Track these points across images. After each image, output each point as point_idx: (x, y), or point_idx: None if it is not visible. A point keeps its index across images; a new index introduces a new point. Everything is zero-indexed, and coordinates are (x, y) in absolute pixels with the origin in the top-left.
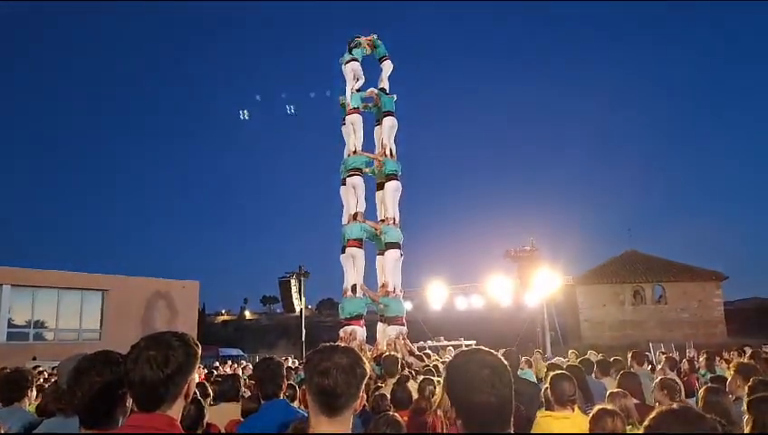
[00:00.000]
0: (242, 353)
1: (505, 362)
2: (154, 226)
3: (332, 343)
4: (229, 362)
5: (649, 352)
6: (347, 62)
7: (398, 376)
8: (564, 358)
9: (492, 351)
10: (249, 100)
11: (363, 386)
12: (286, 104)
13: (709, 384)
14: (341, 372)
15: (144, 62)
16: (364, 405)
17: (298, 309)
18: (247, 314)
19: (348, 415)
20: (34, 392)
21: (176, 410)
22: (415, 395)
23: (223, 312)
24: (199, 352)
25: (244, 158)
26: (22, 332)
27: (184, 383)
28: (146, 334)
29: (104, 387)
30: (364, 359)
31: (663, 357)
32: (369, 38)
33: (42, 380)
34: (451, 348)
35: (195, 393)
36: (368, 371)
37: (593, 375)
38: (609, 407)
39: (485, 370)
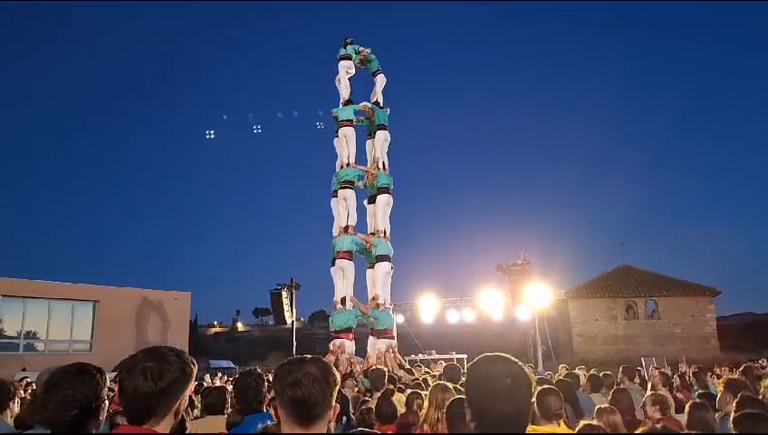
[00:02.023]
0: (233, 366)
1: (528, 373)
2: (146, 236)
3: (302, 355)
4: (219, 375)
5: (642, 366)
6: (342, 58)
7: (383, 390)
8: (556, 373)
9: (517, 360)
10: (246, 110)
11: (336, 395)
12: (310, 119)
13: (695, 400)
14: (314, 383)
15: (138, 71)
16: (350, 420)
17: (289, 321)
18: (239, 325)
19: (322, 425)
20: (17, 404)
21: (164, 427)
22: (402, 409)
23: (215, 323)
24: (195, 370)
25: (238, 169)
26: (12, 342)
27: (175, 400)
28: (137, 346)
29: (76, 399)
30: (335, 369)
31: (656, 372)
32: (362, 52)
33: (30, 391)
34: (442, 362)
35: None
36: (339, 379)
37: (581, 390)
38: (595, 423)
39: (507, 378)
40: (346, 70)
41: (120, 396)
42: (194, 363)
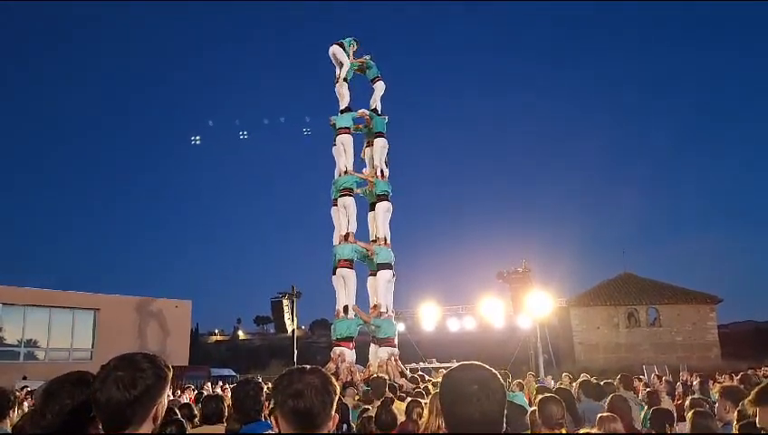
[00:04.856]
0: (234, 374)
1: (502, 381)
2: (147, 244)
3: (301, 365)
4: (220, 383)
5: (644, 374)
6: (334, 44)
7: (383, 398)
8: (557, 381)
9: (489, 368)
10: (245, 112)
11: (336, 405)
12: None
13: (698, 408)
14: (316, 393)
15: (134, 72)
16: (350, 428)
17: (290, 330)
18: (240, 333)
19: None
20: (16, 413)
21: (142, 433)
22: (402, 417)
23: (216, 331)
24: (170, 374)
25: (239, 176)
26: (13, 350)
27: (152, 406)
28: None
29: (74, 409)
30: (334, 379)
31: (656, 380)
32: (361, 59)
33: (30, 399)
34: (443, 370)
35: (175, 415)
36: (338, 389)
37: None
38: (595, 431)
39: (475, 385)
40: (333, 53)
41: (94, 407)
42: (168, 368)
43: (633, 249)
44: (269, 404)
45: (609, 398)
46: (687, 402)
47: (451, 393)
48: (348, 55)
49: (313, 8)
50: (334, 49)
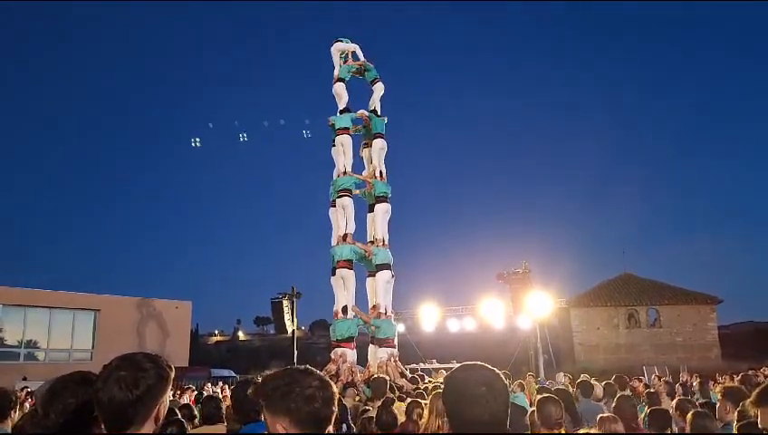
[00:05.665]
0: (234, 375)
1: (506, 382)
2: (147, 245)
3: (297, 366)
4: (220, 384)
5: (644, 375)
6: (336, 41)
7: (383, 399)
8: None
9: (494, 368)
10: (245, 113)
11: (336, 406)
12: (293, 126)
13: (697, 409)
14: (321, 399)
15: (134, 72)
16: (350, 428)
17: (290, 330)
18: (240, 334)
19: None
20: (17, 414)
21: (144, 433)
22: (402, 418)
23: (216, 332)
24: (172, 374)
25: (239, 177)
26: (13, 351)
27: (154, 406)
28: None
29: (78, 408)
30: (333, 378)
31: (656, 381)
32: (360, 62)
33: (31, 400)
34: (443, 371)
35: (176, 415)
36: (336, 391)
37: (591, 399)
38: (594, 431)
39: (482, 386)
40: (337, 50)
41: (96, 407)
42: (171, 368)
43: (633, 249)
44: None
45: (616, 398)
46: (674, 403)
47: (456, 394)
48: (346, 56)
49: (313, 8)
50: (340, 46)
